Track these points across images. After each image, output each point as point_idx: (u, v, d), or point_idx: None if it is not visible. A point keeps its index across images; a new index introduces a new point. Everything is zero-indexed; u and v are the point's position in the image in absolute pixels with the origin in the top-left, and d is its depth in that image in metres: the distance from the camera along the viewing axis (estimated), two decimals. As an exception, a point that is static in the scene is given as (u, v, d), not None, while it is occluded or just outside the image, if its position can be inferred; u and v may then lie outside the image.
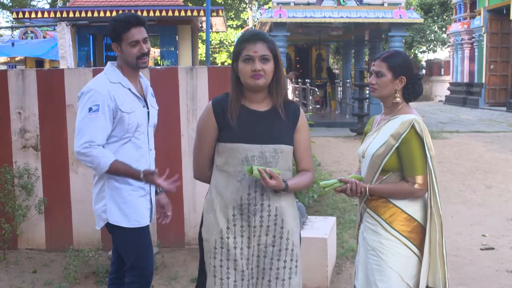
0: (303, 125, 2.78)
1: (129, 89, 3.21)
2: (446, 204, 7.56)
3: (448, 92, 31.37)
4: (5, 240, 5.17)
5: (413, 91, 2.96)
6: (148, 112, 3.33)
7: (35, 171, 5.32)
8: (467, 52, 28.76)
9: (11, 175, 5.19)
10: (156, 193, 3.50)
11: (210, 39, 48.06)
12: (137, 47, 3.16)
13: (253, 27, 40.16)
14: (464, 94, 28.30)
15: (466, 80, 28.74)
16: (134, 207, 3.22)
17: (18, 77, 5.35)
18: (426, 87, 37.02)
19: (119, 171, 3.11)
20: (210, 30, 20.81)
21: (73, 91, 5.18)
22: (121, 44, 3.17)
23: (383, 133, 2.93)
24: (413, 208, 2.89)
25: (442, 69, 36.09)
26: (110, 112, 3.10)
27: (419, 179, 2.85)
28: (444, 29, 35.70)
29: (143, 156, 3.26)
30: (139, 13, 15.33)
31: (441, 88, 34.22)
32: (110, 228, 3.28)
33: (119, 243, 3.31)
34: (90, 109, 3.08)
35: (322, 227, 4.87)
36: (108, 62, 3.37)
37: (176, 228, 5.41)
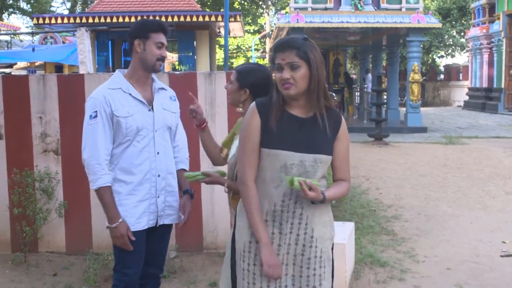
0: (344, 134, 2.72)
1: (130, 94, 3.27)
2: (465, 210, 7.53)
3: (466, 97, 31.12)
4: (26, 243, 5.23)
5: None
6: (154, 116, 3.34)
7: (55, 175, 5.38)
8: (486, 57, 28.52)
9: (32, 178, 5.25)
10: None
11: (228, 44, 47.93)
12: (160, 50, 3.29)
13: (270, 32, 40.25)
14: (483, 99, 28.05)
15: (485, 85, 28.49)
16: (129, 211, 3.26)
17: (39, 82, 5.42)
18: (444, 92, 36.80)
19: (103, 200, 3.21)
20: (228, 35, 20.88)
21: (94, 96, 5.24)
22: (145, 42, 3.26)
23: (236, 144, 3.06)
24: None
25: (461, 74, 35.82)
26: (107, 117, 3.21)
27: None
28: (462, 33, 35.44)
29: (146, 160, 3.28)
30: (157, 18, 15.44)
31: (459, 93, 33.95)
32: None
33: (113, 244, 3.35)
34: (90, 116, 3.22)
35: (341, 233, 4.85)
36: (117, 70, 3.45)
37: (194, 232, 5.44)
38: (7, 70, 25.32)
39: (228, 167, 3.11)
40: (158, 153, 3.32)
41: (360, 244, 5.81)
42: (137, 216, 3.28)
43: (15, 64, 25.77)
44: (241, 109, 3.15)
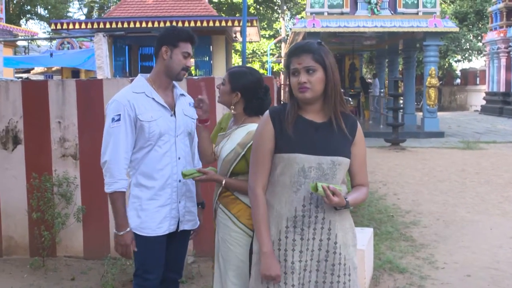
0: (360, 139, 2.72)
1: (153, 99, 3.27)
2: (484, 216, 7.44)
3: (483, 102, 30.86)
4: (45, 248, 5.25)
5: (250, 106, 3.19)
6: (176, 121, 3.35)
7: (74, 179, 5.39)
8: (503, 61, 28.28)
9: (51, 183, 5.27)
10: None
11: (243, 49, 47.83)
12: (186, 60, 3.30)
13: (286, 37, 40.18)
14: (501, 104, 27.80)
15: (502, 89, 28.24)
16: (151, 216, 3.25)
17: (58, 87, 5.45)
18: (461, 97, 36.49)
19: (115, 205, 3.20)
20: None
21: (112, 101, 5.26)
22: (173, 50, 3.26)
23: (232, 140, 3.15)
24: None
25: (478, 79, 35.53)
26: (131, 121, 3.19)
27: None
28: (479, 37, 35.17)
29: (168, 165, 3.28)
30: (174, 23, 15.42)
31: (476, 98, 33.67)
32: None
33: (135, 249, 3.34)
34: (113, 119, 3.19)
35: (359, 238, 4.75)
36: (139, 75, 3.45)
37: (211, 237, 5.39)
38: (24, 75, 25.61)
39: (223, 163, 3.14)
40: (179, 158, 3.32)
41: (378, 250, 5.76)
42: (158, 221, 3.27)
43: (33, 69, 26.07)
44: (233, 111, 3.22)
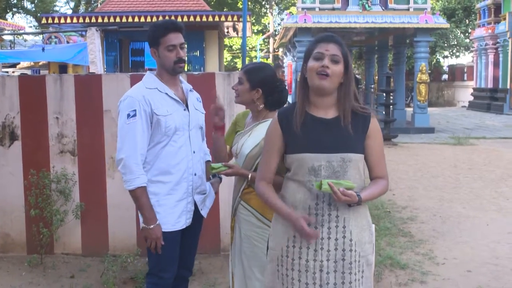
0: (375, 131, 2.67)
1: (166, 94, 3.26)
2: (480, 212, 7.47)
3: (471, 98, 31.05)
4: (42, 245, 5.18)
5: (271, 100, 3.21)
6: (190, 115, 3.35)
7: (72, 176, 5.32)
8: (491, 57, 28.44)
9: (49, 180, 5.20)
10: (210, 179, 3.60)
11: (232, 44, 47.68)
12: (174, 52, 3.24)
13: (274, 32, 40.12)
14: (489, 100, 27.98)
15: (490, 85, 28.42)
16: (169, 211, 3.24)
17: (56, 82, 5.37)
18: (448, 93, 36.68)
19: (140, 201, 3.17)
20: (236, 35, 20.81)
21: (111, 96, 5.20)
22: (158, 49, 3.25)
23: (254, 136, 3.18)
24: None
25: (465, 75, 35.74)
26: (146, 116, 3.17)
27: None
28: (467, 33, 35.37)
29: (183, 159, 3.27)
30: (167, 18, 15.28)
31: (464, 94, 33.88)
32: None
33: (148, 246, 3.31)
34: (128, 115, 3.16)
35: (362, 235, 4.80)
36: (148, 71, 3.45)
37: (211, 234, 5.39)
38: (10, 70, 25.32)
39: (247, 159, 3.16)
40: (194, 152, 3.33)
41: (378, 246, 5.75)
42: (177, 216, 3.27)
43: (18, 63, 25.77)
44: (262, 105, 3.21)
